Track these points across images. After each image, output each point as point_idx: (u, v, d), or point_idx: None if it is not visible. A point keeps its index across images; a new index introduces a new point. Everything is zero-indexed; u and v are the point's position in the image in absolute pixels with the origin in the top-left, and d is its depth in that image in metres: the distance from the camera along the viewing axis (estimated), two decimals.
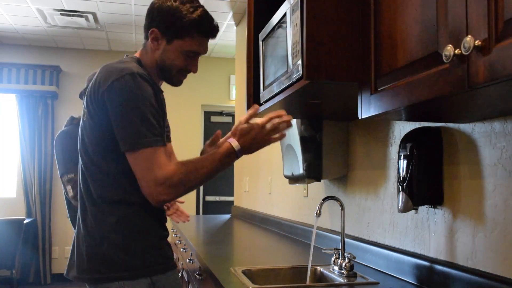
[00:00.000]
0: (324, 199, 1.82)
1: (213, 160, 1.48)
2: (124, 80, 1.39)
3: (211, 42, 1.65)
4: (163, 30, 1.50)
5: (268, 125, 1.50)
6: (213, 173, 1.49)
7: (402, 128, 1.78)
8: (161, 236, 1.50)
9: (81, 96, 2.69)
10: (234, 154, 1.51)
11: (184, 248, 3.02)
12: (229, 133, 1.57)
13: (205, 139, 5.26)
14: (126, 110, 1.38)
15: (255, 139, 1.51)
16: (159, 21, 1.50)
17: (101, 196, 1.46)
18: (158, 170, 1.39)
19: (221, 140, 1.65)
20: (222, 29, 5.12)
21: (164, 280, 1.46)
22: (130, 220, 1.45)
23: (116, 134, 1.40)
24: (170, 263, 1.51)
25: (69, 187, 2.43)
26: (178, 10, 1.49)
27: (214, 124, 6.39)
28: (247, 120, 1.55)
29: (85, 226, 1.48)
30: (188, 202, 5.37)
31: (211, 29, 1.56)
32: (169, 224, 2.03)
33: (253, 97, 2.09)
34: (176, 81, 1.60)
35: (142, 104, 1.39)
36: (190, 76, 1.66)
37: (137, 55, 1.60)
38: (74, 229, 2.52)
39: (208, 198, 6.35)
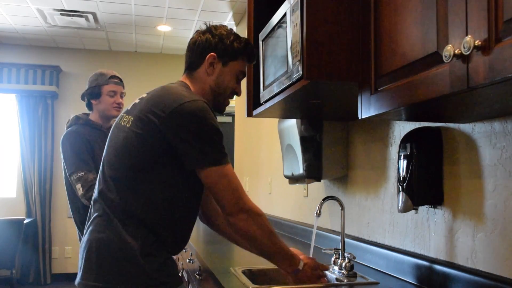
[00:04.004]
0: (324, 199, 1.82)
1: (280, 250, 1.55)
2: (200, 102, 1.47)
3: None
4: (220, 53, 1.60)
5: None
6: (269, 250, 1.55)
7: (402, 128, 1.78)
8: (166, 257, 1.49)
9: (83, 97, 2.68)
10: (291, 267, 1.57)
11: (184, 248, 3.02)
12: (313, 262, 1.63)
13: None
14: (205, 129, 1.44)
15: (310, 276, 1.60)
16: (215, 45, 1.59)
17: (126, 209, 1.45)
18: (242, 190, 1.50)
19: (301, 256, 1.65)
20: None
21: None
22: (144, 240, 1.44)
23: (191, 151, 1.43)
24: (174, 280, 1.50)
25: (78, 185, 2.41)
26: (231, 34, 1.63)
27: None
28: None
29: (99, 232, 1.48)
30: None
31: (254, 55, 1.71)
32: None
33: (253, 97, 2.09)
34: (225, 105, 1.70)
35: (217, 128, 1.47)
36: None
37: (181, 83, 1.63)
38: (80, 231, 2.51)
39: None
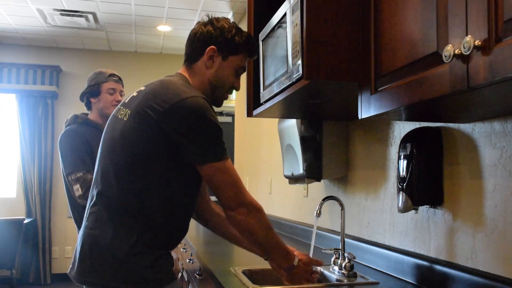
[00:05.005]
0: (324, 199, 1.82)
1: (277, 246, 1.56)
2: (200, 99, 1.46)
3: None
4: (221, 47, 1.58)
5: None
6: (267, 244, 1.55)
7: (402, 128, 1.78)
8: (159, 254, 1.49)
9: (81, 97, 2.67)
10: (287, 263, 1.57)
11: (184, 248, 3.02)
12: (307, 258, 1.63)
13: None
14: (206, 126, 1.44)
15: (304, 271, 1.60)
16: (216, 38, 1.58)
17: (122, 204, 1.45)
18: (242, 185, 1.50)
19: (297, 254, 1.64)
20: None
21: None
22: (138, 236, 1.44)
23: (191, 147, 1.43)
24: (166, 277, 1.49)
25: (77, 186, 2.40)
26: (232, 28, 1.60)
27: None
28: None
29: (91, 229, 1.49)
30: None
31: (256, 50, 1.70)
32: None
33: (253, 97, 2.09)
34: (223, 99, 1.68)
35: (217, 124, 1.48)
36: None
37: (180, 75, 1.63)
38: (79, 229, 2.51)
39: None
